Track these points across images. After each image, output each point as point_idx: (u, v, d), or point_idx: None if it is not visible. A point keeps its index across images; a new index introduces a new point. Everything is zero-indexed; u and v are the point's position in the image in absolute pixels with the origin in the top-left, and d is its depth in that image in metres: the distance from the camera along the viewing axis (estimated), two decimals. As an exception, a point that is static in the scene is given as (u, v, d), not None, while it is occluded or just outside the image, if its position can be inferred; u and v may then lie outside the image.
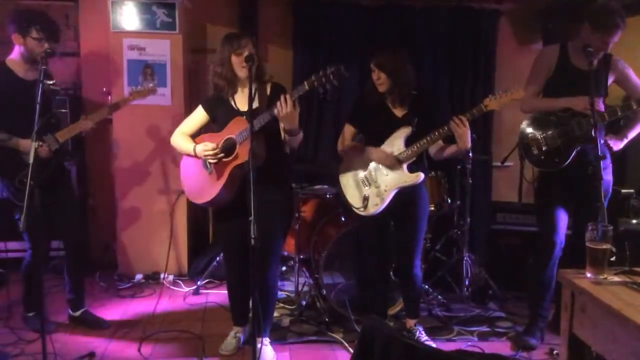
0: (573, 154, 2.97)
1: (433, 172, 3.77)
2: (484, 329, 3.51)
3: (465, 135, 2.79)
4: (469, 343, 3.32)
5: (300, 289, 3.98)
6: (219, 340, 3.22)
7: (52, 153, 3.19)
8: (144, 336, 3.32)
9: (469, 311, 3.79)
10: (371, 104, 3.12)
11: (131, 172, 4.42)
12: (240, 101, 2.93)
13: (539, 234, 3.29)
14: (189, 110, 3.40)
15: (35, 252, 3.23)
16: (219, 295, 4.06)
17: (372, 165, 3.10)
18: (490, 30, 4.80)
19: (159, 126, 4.36)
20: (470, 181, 4.04)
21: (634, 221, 3.75)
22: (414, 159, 3.02)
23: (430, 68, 4.74)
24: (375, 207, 3.05)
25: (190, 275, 4.47)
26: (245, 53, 2.77)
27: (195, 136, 3.03)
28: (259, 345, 2.91)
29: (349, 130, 3.19)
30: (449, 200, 3.95)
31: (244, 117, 2.80)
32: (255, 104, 2.85)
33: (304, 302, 3.76)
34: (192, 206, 4.52)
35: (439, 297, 3.88)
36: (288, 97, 2.63)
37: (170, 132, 3.11)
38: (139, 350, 3.16)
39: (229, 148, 2.84)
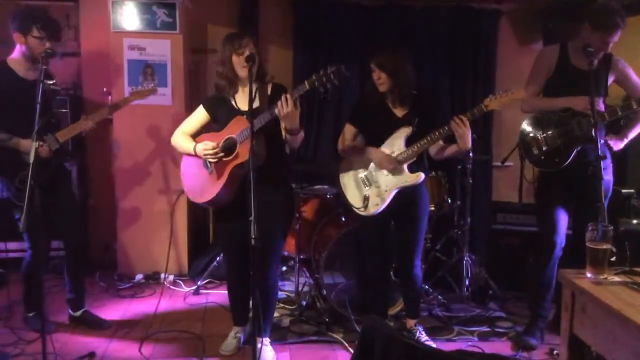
0: (573, 154, 2.97)
1: (433, 172, 3.77)
2: (484, 329, 3.51)
3: (465, 135, 2.79)
4: (469, 343, 3.32)
5: (300, 289, 3.98)
6: (219, 341, 3.22)
7: (53, 153, 3.19)
8: (144, 336, 3.32)
9: (469, 311, 3.79)
10: (371, 104, 3.12)
11: (131, 172, 4.42)
12: (241, 101, 2.93)
13: (539, 234, 3.29)
14: (189, 110, 3.40)
15: (35, 252, 3.23)
16: (219, 295, 4.06)
17: (373, 165, 3.10)
18: (491, 30, 4.80)
19: (160, 126, 4.36)
20: (471, 181, 4.04)
21: (635, 221, 3.75)
22: (415, 158, 3.01)
23: (430, 68, 4.74)
24: (376, 207, 3.05)
25: (190, 275, 4.47)
26: (246, 53, 2.77)
27: (196, 136, 3.03)
28: (259, 345, 2.91)
29: (349, 130, 3.19)
30: (449, 200, 3.95)
31: (245, 116, 2.80)
32: (256, 104, 2.85)
33: (304, 302, 3.76)
34: (192, 206, 4.53)
35: (439, 297, 3.88)
36: (289, 96, 2.64)
37: (171, 132, 3.11)
38: (139, 350, 3.16)
39: (229, 147, 2.84)
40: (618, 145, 3.11)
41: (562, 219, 3.14)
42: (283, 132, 2.86)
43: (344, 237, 3.56)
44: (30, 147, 2.66)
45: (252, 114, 2.61)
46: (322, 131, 4.76)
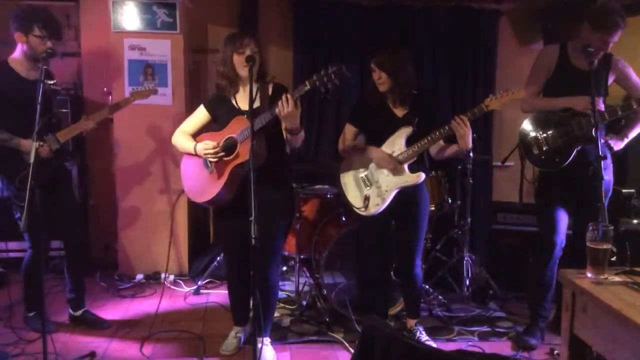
0: (573, 154, 2.97)
1: (433, 172, 3.77)
2: (485, 329, 3.51)
3: (466, 135, 2.79)
4: (470, 343, 3.32)
5: (300, 288, 3.98)
6: (220, 340, 3.23)
7: (53, 153, 3.19)
8: (144, 336, 3.32)
9: (470, 311, 3.79)
10: (372, 103, 3.12)
11: (132, 172, 4.42)
12: (242, 100, 2.93)
13: (539, 234, 3.29)
14: (189, 110, 3.41)
15: (36, 251, 3.23)
16: (219, 295, 4.06)
17: (373, 165, 3.10)
18: (490, 30, 4.80)
19: (160, 126, 4.36)
20: (471, 181, 4.04)
21: (635, 221, 3.75)
22: (415, 158, 3.02)
23: (430, 68, 4.75)
24: (376, 207, 3.05)
25: (191, 275, 4.47)
26: (247, 53, 2.78)
27: (196, 135, 3.03)
28: (259, 345, 2.91)
29: (349, 130, 3.19)
30: (450, 200, 3.95)
31: (245, 116, 2.80)
32: (257, 104, 2.86)
33: (304, 302, 3.76)
34: (192, 206, 4.53)
35: (440, 297, 3.88)
36: (289, 96, 2.64)
37: (171, 132, 3.11)
38: (141, 350, 3.17)
39: (229, 147, 2.84)
40: (618, 145, 3.12)
41: (563, 219, 3.14)
42: (284, 132, 2.86)
43: (344, 237, 3.56)
44: (31, 147, 2.66)
45: (252, 113, 2.62)
46: (322, 131, 4.76)
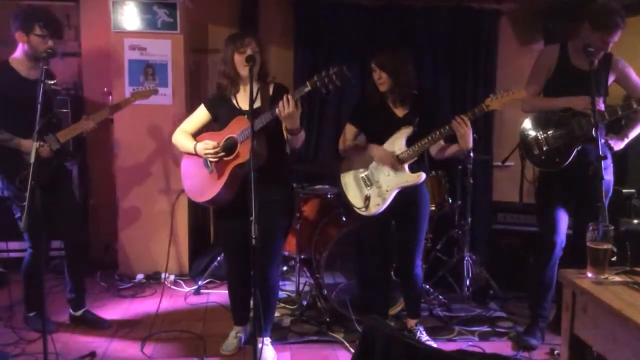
0: (573, 154, 2.97)
1: (434, 172, 3.77)
2: (485, 329, 3.51)
3: (467, 135, 2.79)
4: (470, 343, 3.32)
5: (301, 288, 3.98)
6: (220, 340, 3.23)
7: (53, 153, 3.20)
8: (145, 336, 3.32)
9: (470, 311, 3.79)
10: (372, 103, 3.12)
11: (132, 172, 4.42)
12: (243, 100, 2.93)
13: (540, 234, 3.29)
14: (190, 110, 3.41)
15: (36, 251, 3.24)
16: (219, 295, 4.06)
17: (373, 164, 3.10)
18: (491, 30, 4.80)
19: (160, 126, 4.36)
20: (471, 181, 4.03)
21: (635, 221, 3.75)
22: (415, 158, 3.02)
23: (430, 68, 4.75)
24: (377, 207, 3.05)
25: (191, 275, 4.47)
26: (248, 52, 2.78)
27: (196, 135, 3.03)
28: (259, 345, 2.91)
29: (350, 130, 3.19)
30: (450, 200, 3.95)
31: (246, 116, 2.80)
32: (258, 104, 2.86)
33: (305, 302, 3.76)
34: (193, 206, 4.53)
35: (440, 297, 3.88)
36: (290, 96, 2.64)
37: (172, 133, 3.11)
38: (142, 350, 3.17)
39: (230, 147, 2.84)
40: (618, 145, 3.12)
41: (563, 219, 3.14)
42: (284, 132, 2.86)
43: (344, 237, 3.56)
44: (31, 147, 2.66)
45: (252, 113, 2.62)
46: (323, 131, 4.76)
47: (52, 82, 3.23)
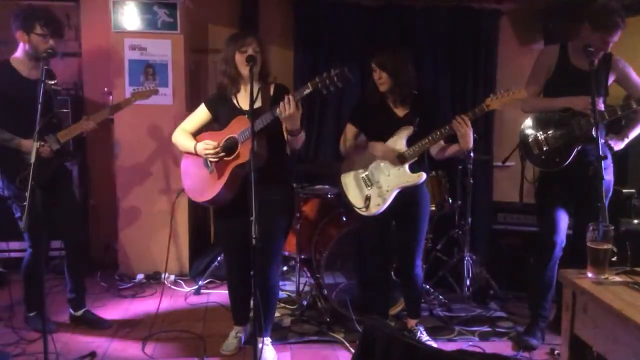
0: (573, 154, 2.97)
1: (434, 172, 3.78)
2: (485, 329, 3.51)
3: (467, 135, 2.79)
4: (470, 343, 3.32)
5: (301, 288, 3.98)
6: (220, 340, 3.23)
7: (54, 153, 3.20)
8: (145, 336, 3.32)
9: (470, 311, 3.79)
10: (372, 103, 3.12)
11: (132, 172, 4.42)
12: (243, 100, 2.92)
13: (540, 234, 3.29)
14: (190, 110, 3.41)
15: (36, 251, 3.24)
16: (220, 295, 4.06)
17: (374, 165, 3.10)
18: (491, 30, 4.80)
19: (161, 126, 4.36)
20: (472, 181, 4.03)
21: (636, 221, 3.75)
22: (416, 158, 3.02)
23: (430, 68, 4.75)
24: (377, 207, 3.05)
25: (191, 275, 4.48)
26: (249, 52, 2.78)
27: (196, 134, 3.04)
28: (260, 345, 2.91)
29: (350, 130, 3.19)
30: (450, 200, 3.95)
31: (246, 116, 2.79)
32: (258, 104, 2.86)
33: (305, 302, 3.76)
34: (193, 206, 4.53)
35: (440, 297, 3.88)
36: (291, 97, 2.64)
37: (172, 133, 3.11)
38: (143, 349, 3.17)
39: (230, 147, 2.84)
40: (619, 145, 3.11)
41: (563, 219, 3.14)
42: (284, 133, 2.86)
43: (344, 237, 3.56)
44: (32, 147, 2.66)
45: (253, 114, 2.62)
46: (323, 131, 4.76)
47: (53, 82, 3.23)
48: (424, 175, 3.02)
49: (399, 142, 3.03)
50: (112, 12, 4.26)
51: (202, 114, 3.05)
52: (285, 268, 4.25)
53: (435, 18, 4.72)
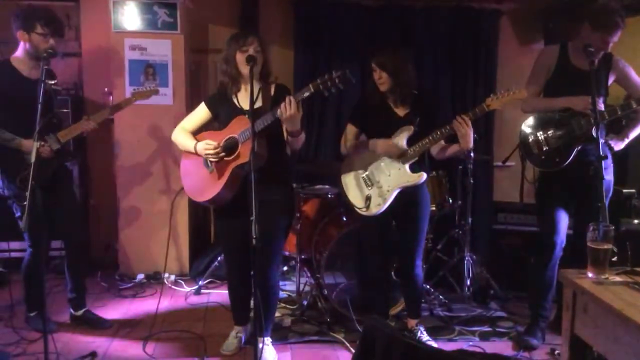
0: (573, 154, 2.97)
1: (434, 172, 3.77)
2: (486, 328, 3.51)
3: (468, 134, 2.79)
4: (470, 343, 3.33)
5: (301, 288, 3.98)
6: (221, 340, 3.23)
7: (54, 153, 3.20)
8: (145, 336, 3.32)
9: (471, 311, 3.79)
10: (373, 103, 3.12)
11: (132, 172, 4.43)
12: (244, 100, 2.92)
13: (540, 234, 3.29)
14: (190, 110, 3.41)
15: (36, 251, 3.24)
16: (220, 295, 4.06)
17: (374, 165, 3.10)
18: (491, 30, 4.80)
19: (161, 126, 4.36)
20: (472, 181, 4.03)
21: (636, 221, 3.75)
22: (416, 158, 3.02)
23: (430, 68, 4.75)
24: (378, 207, 3.05)
25: (191, 275, 4.48)
26: (250, 51, 2.78)
27: (196, 133, 3.03)
28: (260, 345, 2.91)
29: (351, 130, 3.19)
30: (450, 200, 3.95)
31: (246, 116, 2.79)
32: (259, 104, 2.86)
33: (305, 302, 3.76)
34: (193, 206, 4.53)
35: (440, 297, 3.88)
36: (292, 98, 2.64)
37: (172, 133, 3.11)
38: (144, 349, 3.17)
39: (230, 147, 2.84)
40: (619, 145, 3.12)
41: (563, 219, 3.14)
42: (285, 134, 2.86)
43: (345, 237, 3.56)
44: (32, 147, 2.66)
45: (253, 114, 2.61)
46: (323, 131, 4.76)
47: (53, 82, 3.23)
48: (424, 175, 3.02)
49: (399, 142, 3.02)
50: (112, 12, 4.26)
51: (202, 113, 3.05)
52: (285, 268, 4.25)
53: (435, 18, 4.72)
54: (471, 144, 2.85)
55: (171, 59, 4.34)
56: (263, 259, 2.86)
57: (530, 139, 3.09)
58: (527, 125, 3.13)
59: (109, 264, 4.53)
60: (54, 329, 3.34)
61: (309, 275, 3.89)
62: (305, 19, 4.70)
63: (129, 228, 4.47)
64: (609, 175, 2.96)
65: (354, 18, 4.66)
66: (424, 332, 3.28)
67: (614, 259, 2.09)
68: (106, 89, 4.39)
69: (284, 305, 3.82)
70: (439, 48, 4.76)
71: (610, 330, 1.77)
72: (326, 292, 3.56)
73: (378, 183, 3.07)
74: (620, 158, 3.34)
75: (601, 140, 2.74)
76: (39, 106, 2.67)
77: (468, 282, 4.00)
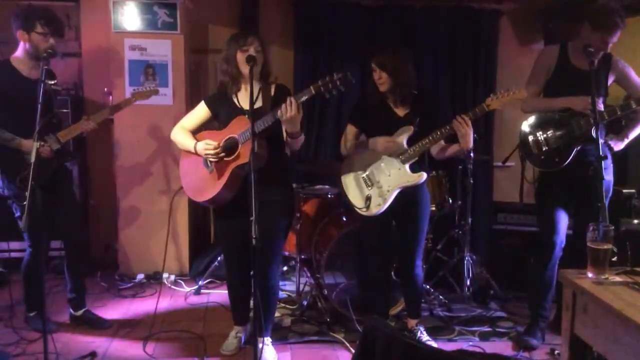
0: (573, 154, 2.97)
1: (434, 172, 3.78)
2: (485, 329, 3.51)
3: (468, 134, 2.80)
4: (470, 343, 3.33)
5: (301, 288, 3.98)
6: (220, 340, 3.23)
7: (54, 153, 3.20)
8: (145, 336, 3.32)
9: (470, 311, 3.79)
10: (372, 103, 3.12)
11: (132, 172, 4.43)
12: (244, 100, 2.92)
13: (540, 234, 3.29)
14: (190, 110, 3.41)
15: (35, 251, 3.24)
16: (220, 295, 4.06)
17: (374, 165, 3.10)
18: (491, 30, 4.80)
19: (160, 126, 4.36)
20: (472, 181, 4.03)
21: (636, 221, 3.75)
22: (416, 158, 3.02)
23: (430, 68, 4.75)
24: (378, 207, 3.05)
25: (191, 275, 4.48)
26: (250, 51, 2.78)
27: (196, 132, 3.03)
28: (260, 345, 2.92)
29: (351, 130, 3.19)
30: (450, 200, 3.96)
31: (246, 116, 2.79)
32: (259, 104, 2.86)
33: (305, 302, 3.76)
34: (193, 206, 4.53)
35: (440, 297, 3.88)
36: (293, 100, 2.64)
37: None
38: (144, 349, 3.17)
39: (230, 147, 2.84)
40: (619, 145, 3.12)
41: (562, 219, 3.15)
42: (284, 134, 2.86)
43: (345, 237, 3.56)
44: (32, 147, 2.66)
45: (253, 114, 2.61)
46: (323, 131, 4.76)
47: (53, 82, 3.24)
48: (424, 175, 3.02)
49: (399, 142, 3.02)
50: (112, 12, 4.26)
51: (201, 112, 3.04)
52: (285, 268, 4.25)
53: (435, 18, 4.72)
54: (471, 144, 2.85)
55: (171, 59, 4.34)
56: (263, 259, 2.86)
57: (530, 139, 3.09)
58: (527, 125, 3.13)
59: (108, 264, 4.53)
60: (54, 329, 3.34)
61: (308, 275, 3.89)
62: (305, 19, 4.70)
63: (128, 228, 4.47)
64: (608, 176, 2.96)
65: (353, 18, 4.66)
66: (424, 332, 3.28)
67: (614, 259, 2.09)
68: (106, 89, 4.39)
69: (283, 305, 3.82)
70: (439, 48, 4.76)
71: (610, 331, 1.77)
72: (326, 292, 3.56)
73: (378, 183, 3.07)
74: (620, 158, 3.34)
75: (601, 141, 2.74)
76: (39, 106, 2.67)
77: (468, 282, 4.00)
